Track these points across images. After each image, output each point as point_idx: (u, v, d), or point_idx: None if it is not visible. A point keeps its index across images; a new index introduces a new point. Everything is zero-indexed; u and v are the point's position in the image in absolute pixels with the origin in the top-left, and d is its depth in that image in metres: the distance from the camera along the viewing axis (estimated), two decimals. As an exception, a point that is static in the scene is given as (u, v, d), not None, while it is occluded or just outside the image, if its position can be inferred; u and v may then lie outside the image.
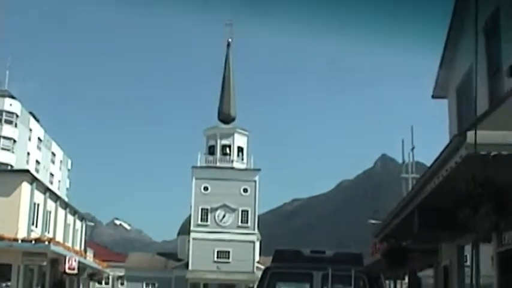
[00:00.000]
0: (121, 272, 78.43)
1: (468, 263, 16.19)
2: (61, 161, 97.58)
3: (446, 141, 10.66)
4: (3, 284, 37.71)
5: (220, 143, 79.26)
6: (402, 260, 18.64)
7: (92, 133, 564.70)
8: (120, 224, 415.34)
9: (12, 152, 78.45)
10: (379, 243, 30.05)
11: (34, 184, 47.81)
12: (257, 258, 76.55)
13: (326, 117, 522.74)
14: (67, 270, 47.65)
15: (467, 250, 16.19)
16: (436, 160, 11.15)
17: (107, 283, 74.01)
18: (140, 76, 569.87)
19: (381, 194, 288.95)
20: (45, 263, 44.78)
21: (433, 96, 20.09)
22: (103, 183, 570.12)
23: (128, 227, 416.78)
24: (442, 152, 10.49)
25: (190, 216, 77.94)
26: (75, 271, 49.03)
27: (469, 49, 16.25)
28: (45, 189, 51.45)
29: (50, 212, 52.46)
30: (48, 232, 51.00)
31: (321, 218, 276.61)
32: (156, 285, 78.98)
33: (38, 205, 49.06)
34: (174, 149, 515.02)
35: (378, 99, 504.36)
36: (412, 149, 38.59)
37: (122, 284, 79.84)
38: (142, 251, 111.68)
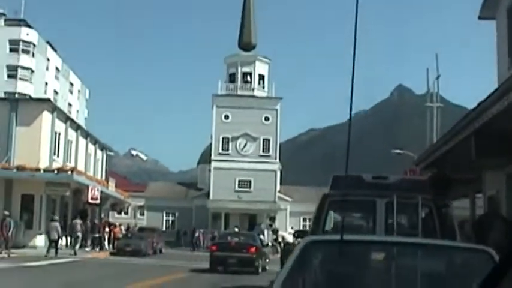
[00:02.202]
0: (141, 202, 78.15)
1: None
2: (79, 91, 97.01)
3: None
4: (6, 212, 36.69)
5: (241, 70, 77.74)
6: (445, 188, 17.95)
7: (110, 63, 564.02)
8: (137, 155, 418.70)
9: (30, 82, 77.91)
10: (410, 172, 29.45)
11: (55, 113, 47.22)
12: (278, 187, 76.28)
13: (344, 45, 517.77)
14: (90, 200, 47.15)
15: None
16: (505, 81, 10.29)
17: (126, 213, 73.60)
18: (159, 3, 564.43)
19: (397, 124, 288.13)
20: (67, 193, 44.39)
21: (479, 18, 19.14)
22: (120, 113, 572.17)
23: (145, 158, 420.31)
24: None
25: (210, 145, 77.26)
26: (98, 201, 48.73)
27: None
28: (66, 118, 50.87)
29: (71, 142, 51.95)
30: (70, 162, 50.59)
31: (337, 148, 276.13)
32: (177, 214, 78.69)
33: (59, 134, 48.50)
34: (193, 77, 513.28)
35: (396, 27, 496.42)
36: (438, 77, 37.58)
37: (142, 214, 79.57)
38: (159, 181, 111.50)
